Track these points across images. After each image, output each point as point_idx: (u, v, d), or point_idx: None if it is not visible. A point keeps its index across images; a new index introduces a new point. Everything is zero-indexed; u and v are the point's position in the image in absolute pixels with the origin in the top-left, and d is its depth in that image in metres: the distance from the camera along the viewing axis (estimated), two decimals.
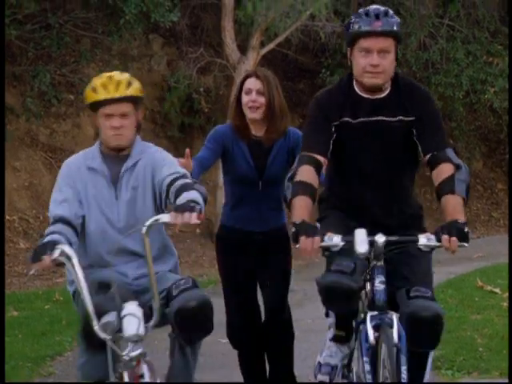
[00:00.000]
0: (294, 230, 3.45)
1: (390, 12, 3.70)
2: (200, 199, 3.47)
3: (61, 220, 3.68)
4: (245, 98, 4.44)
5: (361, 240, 3.44)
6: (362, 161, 3.76)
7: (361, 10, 3.75)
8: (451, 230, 3.41)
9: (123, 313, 3.36)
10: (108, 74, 3.80)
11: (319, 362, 3.89)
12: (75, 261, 3.37)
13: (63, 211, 3.72)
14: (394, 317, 3.49)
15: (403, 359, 3.40)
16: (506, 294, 7.77)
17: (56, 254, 3.39)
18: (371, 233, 3.48)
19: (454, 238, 3.39)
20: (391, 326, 3.44)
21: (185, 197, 3.46)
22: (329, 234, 3.48)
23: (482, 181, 17.23)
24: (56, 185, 3.86)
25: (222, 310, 4.49)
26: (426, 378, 3.72)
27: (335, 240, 3.48)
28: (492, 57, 15.32)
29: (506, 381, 4.94)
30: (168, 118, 14.13)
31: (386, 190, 3.78)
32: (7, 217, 11.26)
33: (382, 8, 3.72)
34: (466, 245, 3.43)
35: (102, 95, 3.72)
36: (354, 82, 3.78)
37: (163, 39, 14.71)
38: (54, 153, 12.47)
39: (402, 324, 3.50)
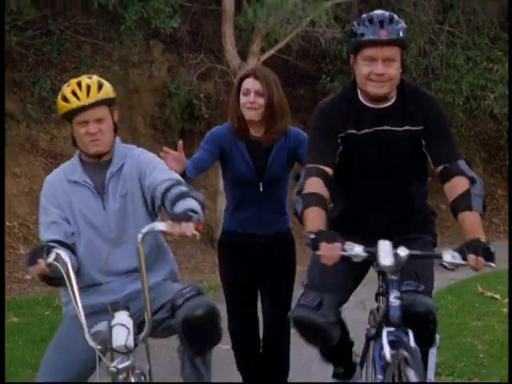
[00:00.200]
0: (312, 236, 3.28)
1: (395, 18, 3.54)
2: (198, 208, 3.33)
3: (54, 242, 3.47)
4: (243, 99, 4.26)
5: (385, 252, 3.27)
6: (366, 172, 3.64)
7: (364, 16, 3.57)
8: (477, 249, 3.28)
9: (113, 322, 3.21)
10: (76, 79, 3.61)
11: None
12: (70, 266, 3.24)
13: (53, 234, 3.54)
14: (411, 334, 3.30)
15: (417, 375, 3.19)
16: (507, 300, 7.76)
17: (51, 257, 3.26)
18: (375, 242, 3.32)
19: (480, 258, 3.26)
20: (408, 344, 3.25)
21: (182, 205, 3.32)
22: (349, 243, 3.30)
23: None
24: (41, 207, 3.68)
25: (223, 316, 4.45)
26: (429, 379, 3.63)
27: (356, 250, 3.30)
28: (492, 63, 15.34)
29: None
30: (168, 124, 14.14)
31: (392, 200, 3.66)
32: (7, 223, 11.25)
33: (387, 14, 3.54)
34: (493, 265, 3.31)
35: (73, 104, 3.54)
36: (358, 91, 3.64)
37: (164, 45, 14.73)
38: (55, 158, 12.49)
39: None
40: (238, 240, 4.41)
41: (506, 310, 7.41)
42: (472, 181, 3.52)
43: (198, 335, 3.43)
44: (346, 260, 3.32)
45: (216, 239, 10.50)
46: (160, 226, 3.23)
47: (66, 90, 3.59)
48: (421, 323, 3.37)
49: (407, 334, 3.29)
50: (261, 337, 4.61)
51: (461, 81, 15.04)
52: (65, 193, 3.64)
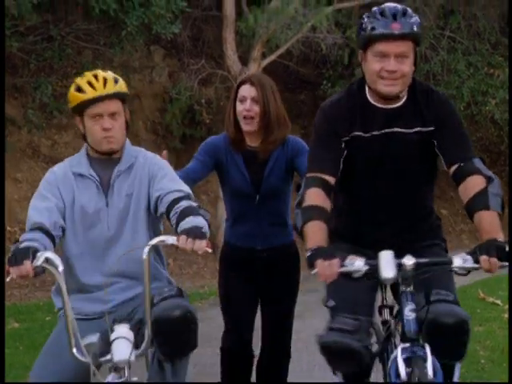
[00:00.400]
0: (309, 254, 3.07)
1: (409, 11, 3.24)
2: (206, 227, 3.21)
3: (40, 228, 3.34)
4: (239, 107, 4.12)
5: (387, 263, 3.02)
6: (374, 176, 3.40)
7: (375, 9, 3.28)
8: (490, 249, 3.00)
9: (113, 335, 3.09)
10: (91, 72, 3.51)
11: None
12: (61, 269, 3.10)
13: (43, 219, 3.39)
14: (428, 349, 3.05)
15: None
16: (507, 306, 7.75)
17: (40, 260, 3.07)
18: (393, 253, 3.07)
19: (494, 259, 2.99)
20: (425, 360, 3.01)
21: (192, 221, 3.21)
22: (350, 257, 3.08)
23: None
24: (38, 192, 3.54)
25: (222, 321, 4.41)
26: None
27: (357, 264, 3.05)
28: (493, 68, 15.36)
29: None
30: (169, 130, 14.16)
31: (401, 205, 3.44)
32: (8, 228, 11.26)
33: (400, 6, 3.25)
34: (506, 264, 3.02)
35: (89, 94, 3.42)
36: (367, 89, 3.39)
37: (165, 51, 14.75)
38: (56, 164, 12.49)
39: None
40: (239, 253, 4.26)
41: (507, 315, 7.40)
42: (489, 179, 3.25)
43: (170, 338, 3.18)
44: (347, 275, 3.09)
45: (217, 244, 10.49)
46: (170, 239, 3.15)
47: (81, 81, 3.48)
48: (454, 334, 3.18)
49: (424, 348, 3.06)
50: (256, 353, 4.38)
51: (462, 86, 15.05)
52: (69, 187, 3.56)
